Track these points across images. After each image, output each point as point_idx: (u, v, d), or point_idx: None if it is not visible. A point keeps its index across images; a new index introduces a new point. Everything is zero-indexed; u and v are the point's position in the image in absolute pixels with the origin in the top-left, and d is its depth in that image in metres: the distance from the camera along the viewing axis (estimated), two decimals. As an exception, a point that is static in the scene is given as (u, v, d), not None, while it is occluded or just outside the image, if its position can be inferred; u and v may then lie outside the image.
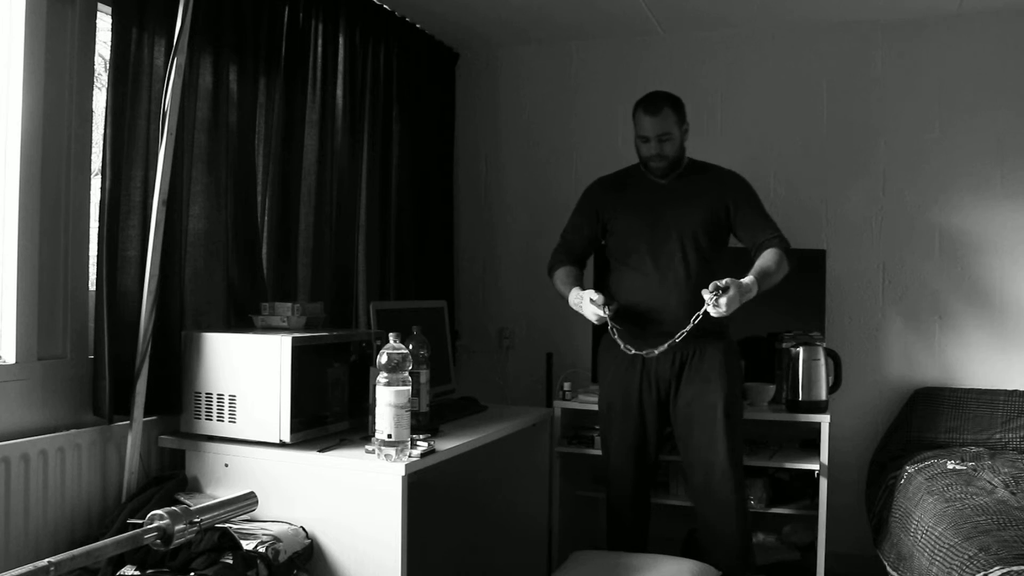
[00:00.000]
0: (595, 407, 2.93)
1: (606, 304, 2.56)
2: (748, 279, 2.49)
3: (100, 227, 2.24)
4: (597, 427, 2.98)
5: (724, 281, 2.40)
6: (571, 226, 2.90)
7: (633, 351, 2.57)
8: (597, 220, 2.83)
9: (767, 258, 2.62)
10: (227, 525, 1.99)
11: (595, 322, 2.61)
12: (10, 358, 2.12)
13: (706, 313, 2.42)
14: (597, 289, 2.71)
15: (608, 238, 2.83)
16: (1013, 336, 3.39)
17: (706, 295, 2.40)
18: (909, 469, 2.98)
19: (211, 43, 2.52)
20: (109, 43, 2.24)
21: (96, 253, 2.26)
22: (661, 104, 2.67)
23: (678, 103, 2.71)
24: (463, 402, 3.05)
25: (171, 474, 2.37)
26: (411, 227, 3.57)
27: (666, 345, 2.52)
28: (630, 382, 2.74)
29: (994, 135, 3.41)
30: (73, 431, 2.19)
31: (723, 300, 2.38)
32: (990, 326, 3.42)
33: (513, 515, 3.10)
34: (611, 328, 2.58)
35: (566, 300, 2.73)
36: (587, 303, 2.59)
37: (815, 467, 2.96)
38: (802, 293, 3.36)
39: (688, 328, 2.48)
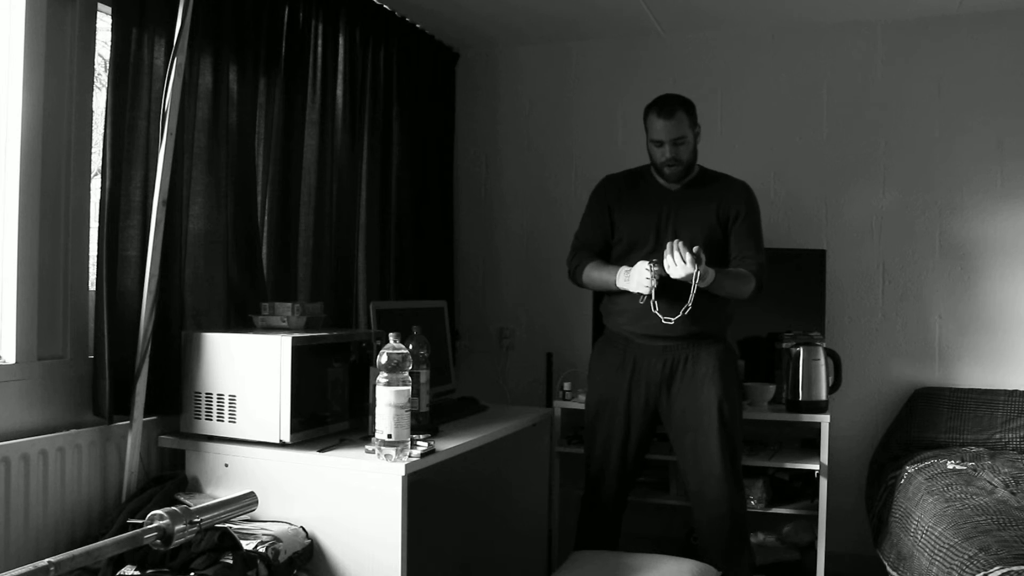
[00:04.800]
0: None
1: (654, 271, 2.50)
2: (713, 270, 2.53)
3: (100, 227, 2.24)
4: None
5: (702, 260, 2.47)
6: (585, 227, 2.83)
7: (664, 318, 2.55)
8: (609, 217, 2.77)
9: (738, 270, 2.65)
10: (227, 525, 1.99)
11: (639, 290, 2.55)
12: (10, 358, 2.12)
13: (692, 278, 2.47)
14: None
15: (613, 236, 2.80)
16: (1013, 336, 3.39)
17: (686, 258, 2.42)
18: (909, 469, 2.98)
19: (211, 43, 2.52)
20: (109, 43, 2.24)
21: (96, 253, 2.26)
22: (675, 107, 2.62)
23: (690, 106, 2.68)
24: (463, 402, 3.05)
25: (171, 474, 2.37)
26: (411, 227, 3.57)
27: (681, 312, 2.52)
28: (619, 384, 2.73)
29: (994, 135, 3.41)
30: (73, 431, 2.19)
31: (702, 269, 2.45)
32: (990, 326, 3.42)
33: (513, 515, 3.10)
34: (652, 301, 2.54)
35: (611, 288, 2.66)
36: (639, 269, 2.53)
37: (815, 467, 2.96)
38: (802, 293, 3.36)
39: (692, 295, 2.49)
